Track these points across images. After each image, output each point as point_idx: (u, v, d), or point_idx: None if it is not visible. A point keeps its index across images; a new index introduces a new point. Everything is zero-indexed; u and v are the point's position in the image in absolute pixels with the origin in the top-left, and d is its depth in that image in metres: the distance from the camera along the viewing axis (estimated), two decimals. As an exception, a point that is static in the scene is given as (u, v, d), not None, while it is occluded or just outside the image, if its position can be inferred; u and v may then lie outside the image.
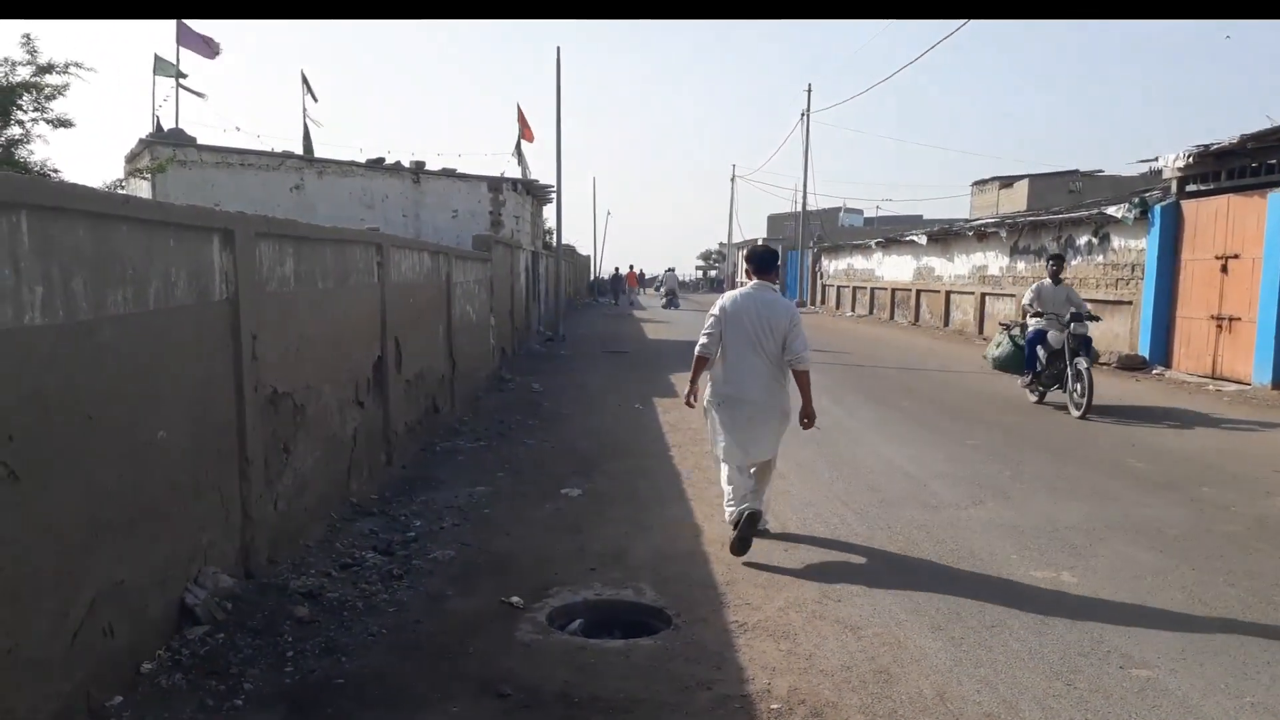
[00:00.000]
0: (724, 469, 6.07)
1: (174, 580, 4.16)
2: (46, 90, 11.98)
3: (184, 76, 20.62)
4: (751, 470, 6.09)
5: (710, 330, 6.04)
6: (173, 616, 4.14)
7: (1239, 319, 14.38)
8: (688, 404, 6.39)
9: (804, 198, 46.19)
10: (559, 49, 22.41)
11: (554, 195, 24.49)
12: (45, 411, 3.17)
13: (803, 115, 44.91)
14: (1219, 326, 14.84)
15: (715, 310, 6.12)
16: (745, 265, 6.57)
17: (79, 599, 3.37)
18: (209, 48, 20.72)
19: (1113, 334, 18.07)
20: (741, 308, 6.01)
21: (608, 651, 4.34)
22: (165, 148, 18.37)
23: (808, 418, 5.98)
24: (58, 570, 3.24)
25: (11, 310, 3.00)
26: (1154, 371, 15.88)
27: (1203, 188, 15.85)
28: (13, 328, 3.00)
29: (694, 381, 6.27)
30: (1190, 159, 15.74)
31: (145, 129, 20.26)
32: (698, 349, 6.11)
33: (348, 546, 5.72)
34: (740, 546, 5.65)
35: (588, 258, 67.73)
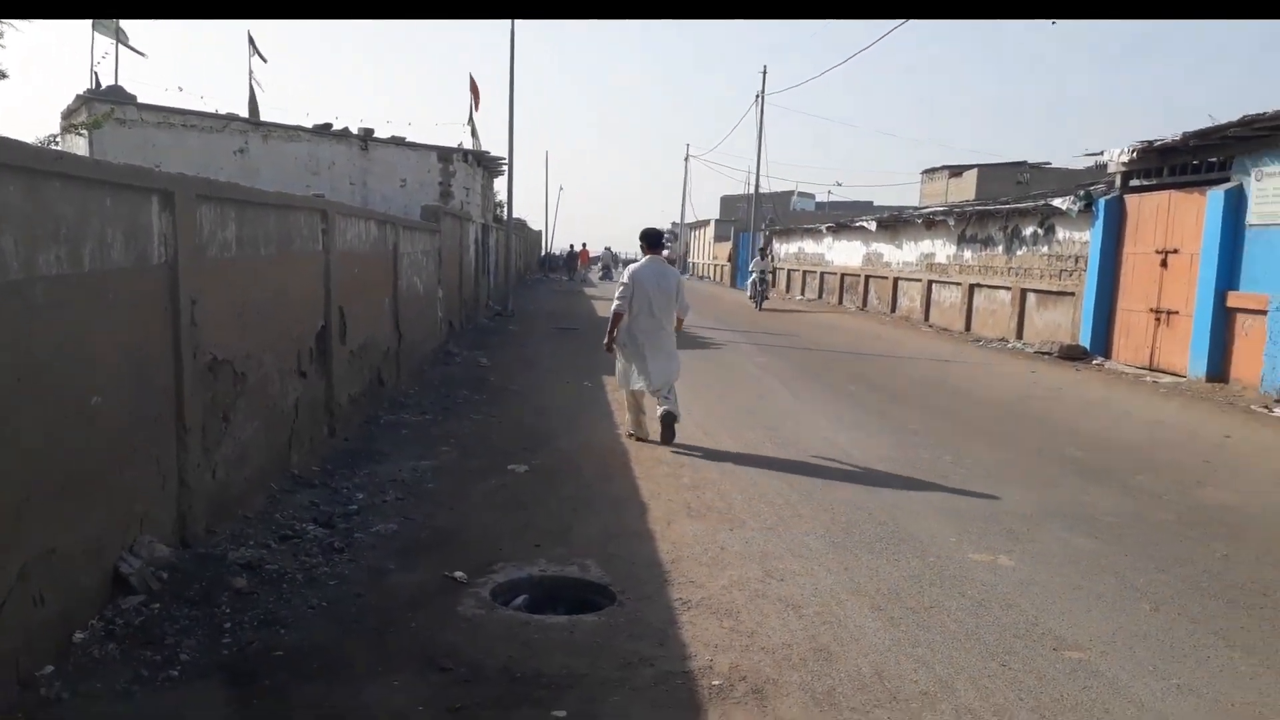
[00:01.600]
0: (626, 395, 8.55)
1: (108, 549, 4.06)
2: None
3: (125, 33, 20.00)
4: (662, 395, 8.25)
5: (622, 295, 8.28)
6: (106, 586, 4.04)
7: (1176, 312, 14.73)
8: (607, 349, 8.56)
9: (756, 180, 46.33)
10: (513, 22, 22.16)
11: (505, 167, 24.28)
12: (-27, 372, 3.05)
13: (757, 97, 44.96)
14: (1157, 319, 15.19)
15: (625, 278, 8.43)
16: (640, 243, 8.76)
17: (8, 567, 3.27)
18: None
19: (1055, 324, 18.42)
20: (644, 276, 8.33)
21: (551, 628, 4.33)
22: (103, 104, 17.83)
23: (678, 330, 8.60)
24: (-16, 537, 3.14)
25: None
26: (1094, 362, 16.23)
27: (1146, 183, 16.17)
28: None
29: (611, 332, 8.41)
30: (1134, 154, 16.04)
31: (83, 85, 19.65)
32: (614, 307, 8.37)
33: (288, 518, 5.63)
34: (664, 433, 8.21)
35: (539, 232, 67.31)
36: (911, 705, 3.67)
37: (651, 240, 8.70)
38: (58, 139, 15.62)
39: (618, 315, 8.30)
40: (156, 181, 4.51)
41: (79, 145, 17.40)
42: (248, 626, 4.09)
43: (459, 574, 4.88)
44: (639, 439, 8.31)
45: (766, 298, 28.75)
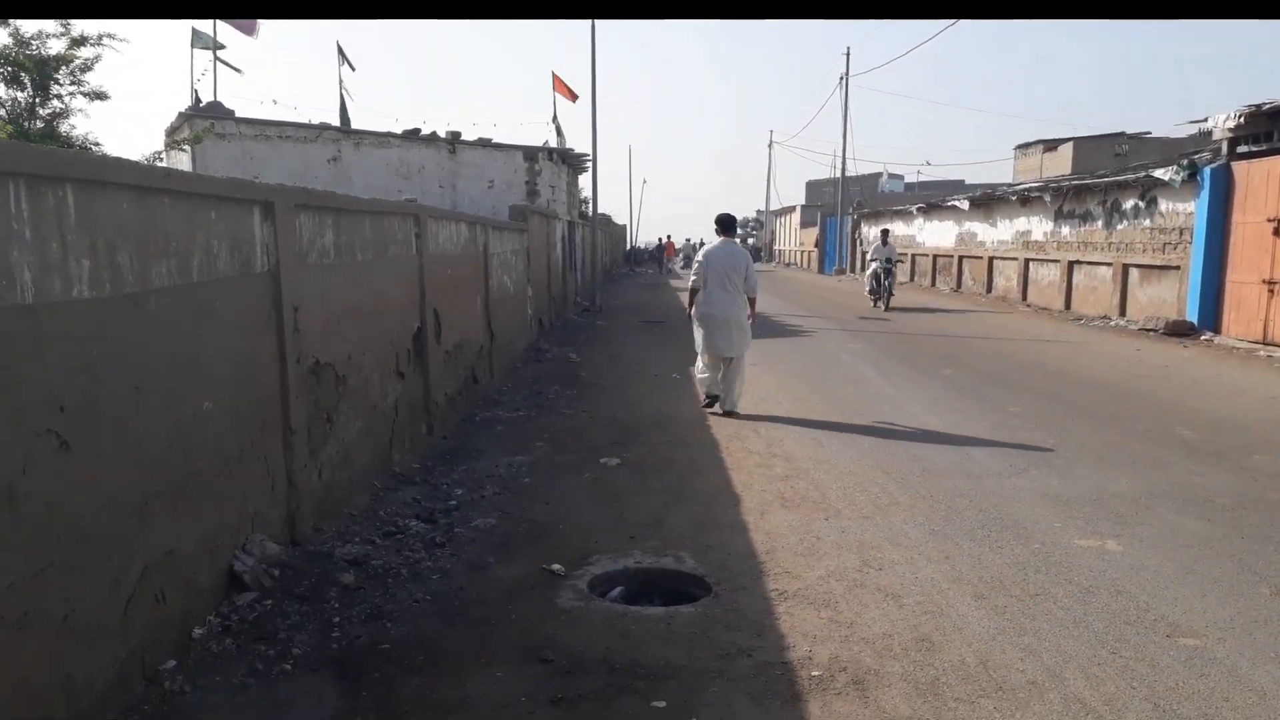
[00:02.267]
0: (699, 360, 9.51)
1: (222, 548, 4.23)
2: (80, 62, 12.07)
3: (222, 48, 20.74)
4: (721, 366, 9.27)
5: (697, 272, 9.37)
6: (222, 583, 4.22)
7: (1292, 283, 14.04)
8: (690, 319, 9.53)
9: (843, 163, 45.71)
10: (594, 20, 22.23)
11: (589, 164, 24.41)
12: (94, 383, 3.22)
13: (841, 79, 44.33)
14: (1271, 291, 14.50)
15: (699, 258, 9.45)
16: (715, 227, 9.63)
17: (131, 567, 3.44)
18: (246, 24, 20.77)
19: (1160, 299, 17.75)
20: (714, 255, 9.29)
21: (648, 619, 4.37)
22: (203, 120, 18.52)
23: (752, 318, 9.40)
24: (110, 539, 3.31)
25: (60, 284, 3.04)
26: (1203, 337, 15.57)
27: (1254, 149, 15.43)
28: (61, 301, 3.05)
29: (691, 304, 9.46)
30: (1241, 119, 15.32)
31: (184, 103, 20.43)
32: (690, 283, 9.48)
33: (391, 515, 5.78)
34: (709, 405, 9.37)
35: (623, 227, 67.53)
36: (1019, 695, 3.59)
37: (725, 225, 9.57)
38: (162, 155, 16.28)
39: (694, 290, 9.37)
40: (257, 193, 4.68)
41: (183, 160, 18.11)
42: (355, 621, 4.23)
43: (556, 566, 4.95)
44: (710, 400, 9.47)
45: (892, 294, 22.46)
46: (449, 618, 4.34)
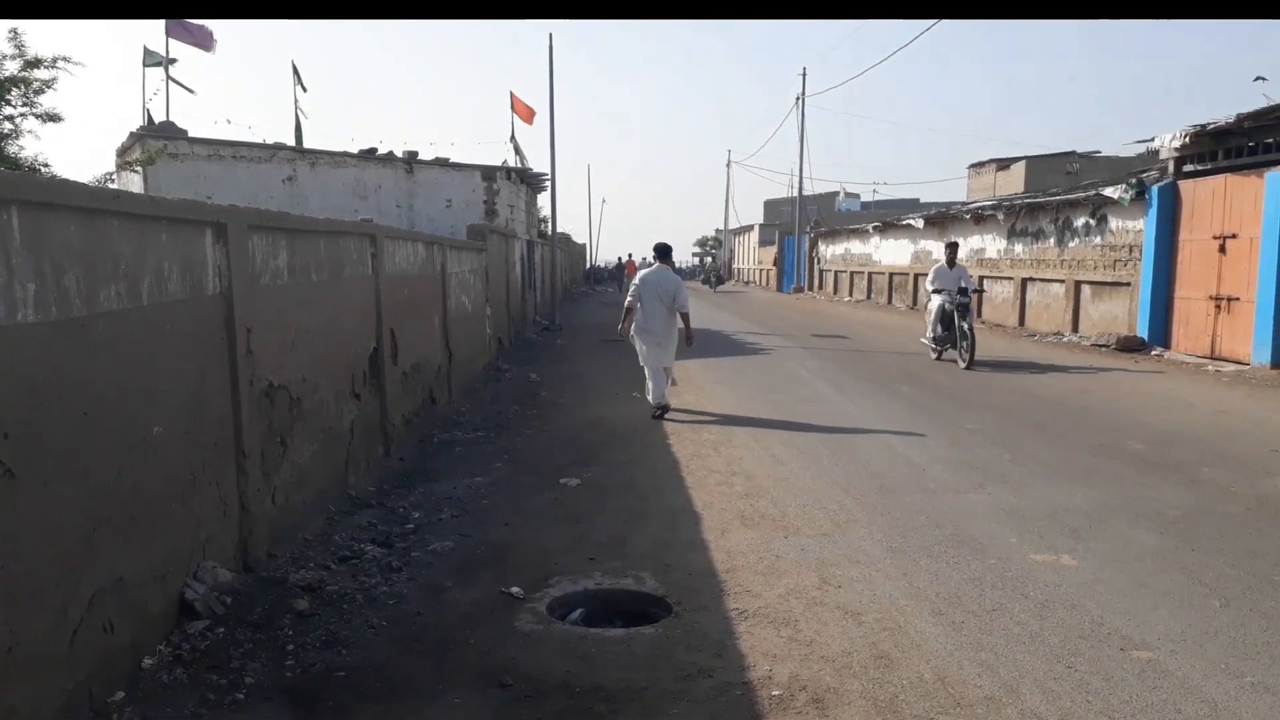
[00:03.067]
0: (647, 371, 10.44)
1: (173, 575, 4.15)
2: (35, 85, 11.88)
3: (173, 62, 20.49)
4: (664, 370, 10.37)
5: (634, 293, 10.44)
6: (173, 612, 4.13)
7: (1237, 299, 14.38)
8: (620, 336, 10.94)
9: (800, 182, 46.17)
10: (551, 35, 22.40)
11: (548, 183, 24.45)
12: (41, 409, 3.15)
13: (798, 99, 44.84)
14: (1217, 306, 14.84)
15: (636, 281, 10.59)
16: (654, 254, 10.98)
17: (79, 596, 3.36)
18: (204, 38, 20.56)
19: (1111, 315, 18.08)
20: (650, 279, 10.50)
21: (609, 640, 4.34)
22: (156, 140, 18.29)
23: (689, 340, 10.65)
24: (57, 567, 3.23)
25: (4, 307, 2.98)
26: (1153, 353, 15.89)
27: (1200, 168, 15.82)
28: (6, 325, 2.98)
29: (625, 321, 10.54)
30: (1187, 139, 15.71)
31: (136, 123, 20.18)
32: (627, 302, 10.55)
33: (346, 539, 5.71)
34: (660, 416, 10.08)
35: (583, 245, 67.59)
36: (976, 711, 3.62)
37: (663, 253, 10.93)
38: (114, 176, 16.05)
39: (628, 309, 10.49)
40: (209, 214, 4.62)
41: (134, 181, 17.87)
42: (310, 648, 4.16)
43: (515, 589, 4.91)
44: (657, 414, 10.22)
45: (974, 341, 14.34)
46: (406, 644, 4.28)
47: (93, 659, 3.44)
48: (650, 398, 10.36)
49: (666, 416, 10.11)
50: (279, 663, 4.00)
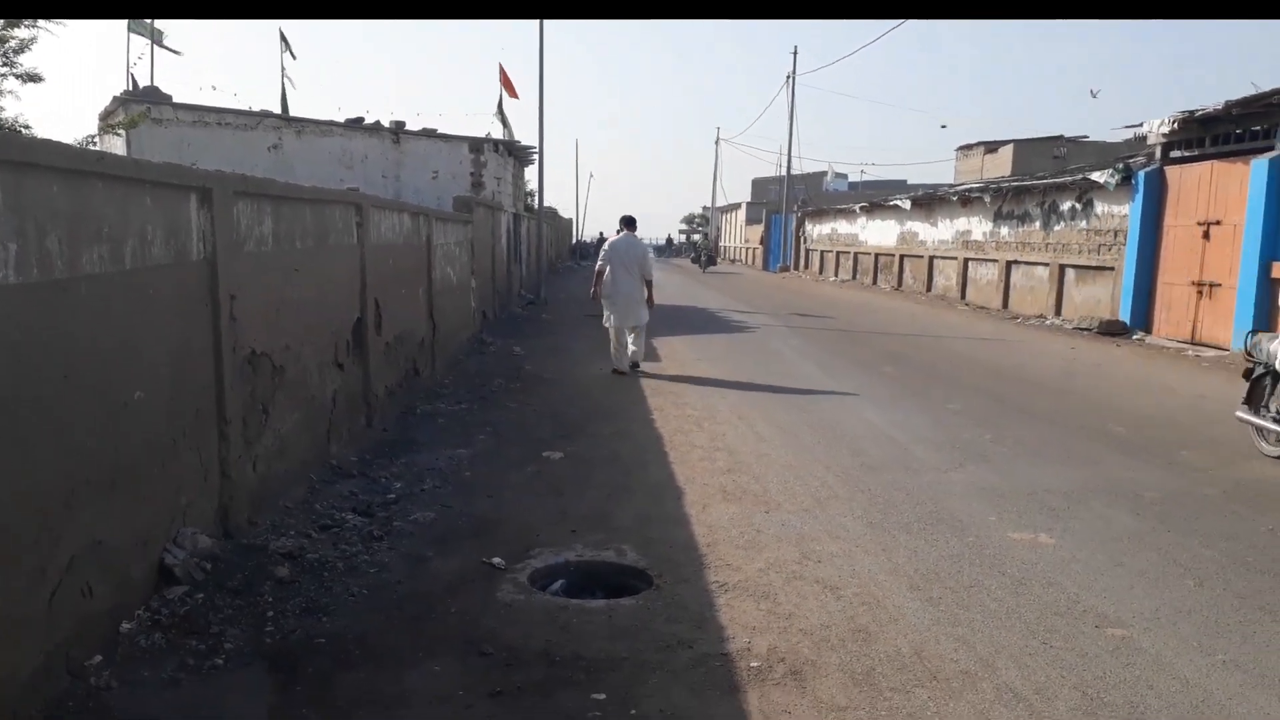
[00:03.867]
0: (611, 334, 11.50)
1: (153, 541, 4.14)
2: (13, 43, 11.70)
3: (160, 33, 20.25)
4: (629, 335, 11.43)
5: (603, 259, 11.59)
6: (152, 577, 4.12)
7: (1219, 285, 14.48)
8: (593, 298, 12.02)
9: (788, 161, 46.10)
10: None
11: (536, 156, 24.30)
12: (20, 370, 3.12)
13: (788, 78, 44.66)
14: (1199, 292, 14.94)
15: (605, 248, 11.70)
16: (620, 224, 12.06)
17: (57, 559, 3.34)
18: None
19: (1094, 299, 18.18)
20: (618, 246, 11.57)
21: (589, 611, 4.36)
22: (140, 105, 18.07)
23: (650, 304, 11.56)
24: (35, 530, 3.22)
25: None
26: (1135, 337, 15.99)
27: (1187, 154, 15.89)
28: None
29: (596, 285, 11.66)
30: (1175, 125, 15.76)
31: (120, 86, 19.93)
32: (596, 267, 11.78)
33: (328, 508, 5.70)
34: (631, 371, 11.29)
35: (570, 221, 67.37)
36: (952, 684, 3.66)
37: (628, 222, 12.08)
38: (96, 140, 15.86)
39: (599, 273, 11.62)
40: (194, 179, 4.57)
41: (117, 145, 17.66)
42: (290, 615, 4.16)
43: (497, 560, 4.93)
44: (616, 371, 11.39)
45: None
46: (386, 612, 4.29)
47: (71, 622, 3.44)
48: (613, 358, 11.54)
49: (648, 396, 10.15)
50: (259, 629, 4.01)
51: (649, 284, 11.47)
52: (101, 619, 3.67)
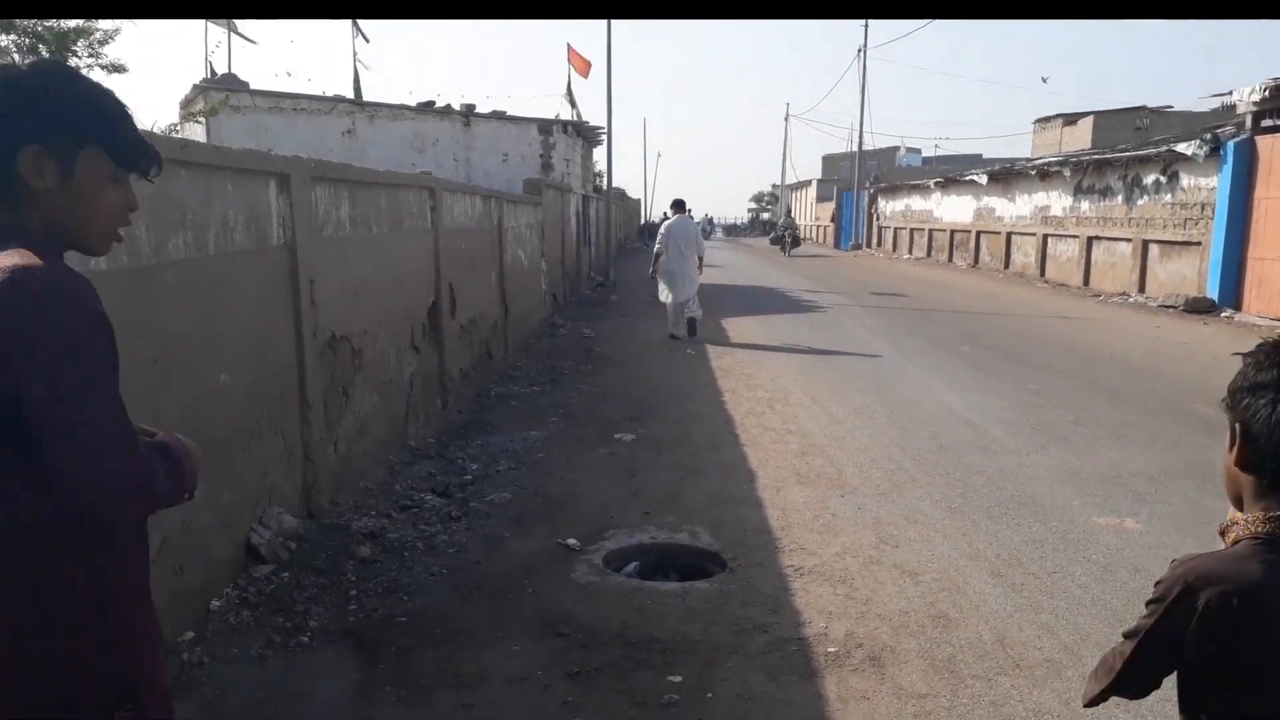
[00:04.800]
0: (668, 308, 12.95)
1: (239, 521, 4.25)
2: (98, 35, 12.04)
3: (235, 24, 20.65)
4: (684, 305, 12.72)
5: (661, 240, 13.02)
6: (239, 556, 4.24)
7: (1314, 260, 13.88)
8: (651, 277, 13.75)
9: (860, 137, 45.32)
10: (610, -12, 22.06)
11: (604, 137, 24.28)
12: (112, 355, 3.21)
13: (859, 51, 43.91)
14: (1293, 268, 14.33)
15: (663, 230, 13.17)
16: (670, 208, 14.13)
17: (151, 539, 3.43)
18: None
19: (1180, 276, 17.58)
20: (674, 228, 13.09)
21: (664, 594, 4.37)
22: (218, 92, 18.48)
23: (700, 270, 13.03)
24: (128, 510, 3.32)
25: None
26: (1223, 315, 15.43)
27: (1278, 123, 15.22)
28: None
29: (655, 263, 13.15)
30: (1266, 93, 15.10)
31: (199, 75, 20.41)
32: (655, 249, 13.24)
33: (407, 489, 5.80)
34: (690, 332, 12.70)
35: (638, 201, 67.31)
36: (1036, 673, 3.58)
37: (678, 205, 13.83)
38: (177, 128, 16.29)
39: (657, 255, 13.06)
40: (273, 165, 4.66)
41: (197, 133, 18.10)
42: (372, 594, 4.24)
43: (572, 541, 4.96)
44: (674, 336, 12.73)
45: None
46: (465, 591, 4.35)
47: (162, 599, 3.53)
48: (670, 327, 12.94)
49: (718, 378, 10.14)
50: (342, 607, 4.09)
51: (700, 258, 13.08)
52: (192, 597, 3.78)
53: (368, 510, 5.30)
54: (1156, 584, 1.56)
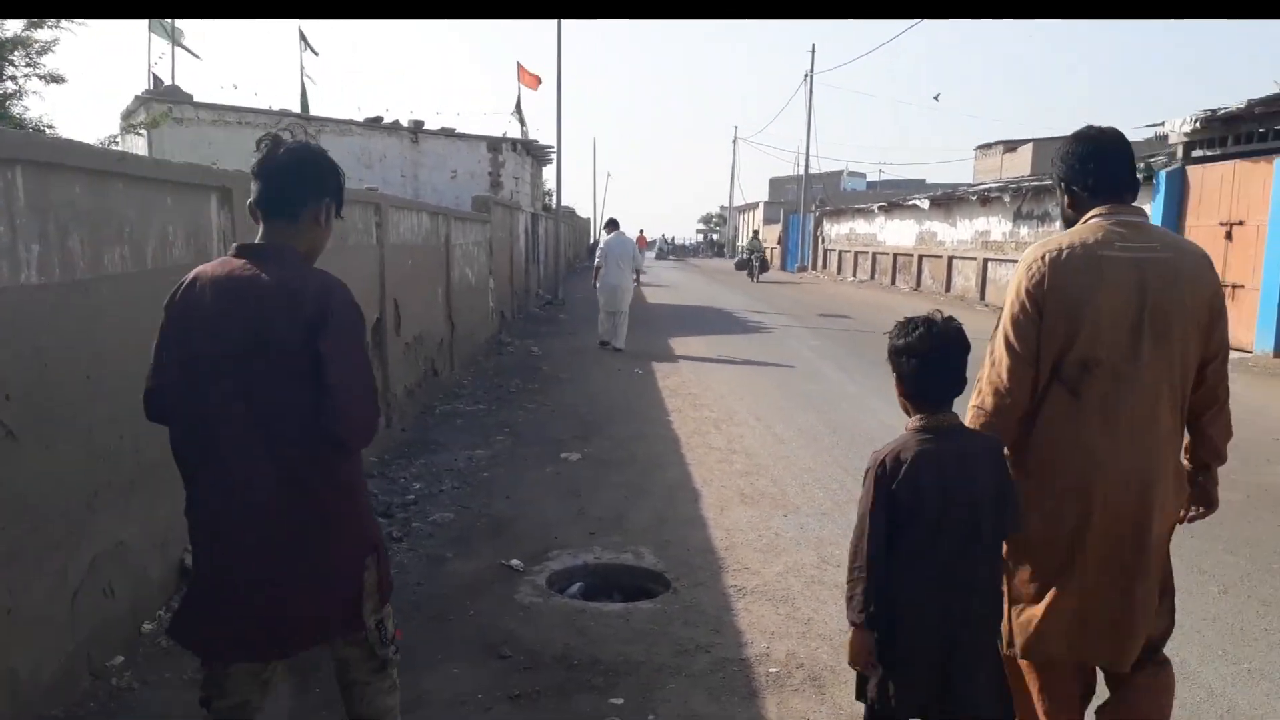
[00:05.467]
0: (602, 315, 14.10)
1: (174, 541, 4.15)
2: (37, 45, 11.78)
3: (180, 32, 20.35)
4: (615, 317, 13.85)
5: (599, 257, 14.31)
6: (173, 578, 4.14)
7: (1242, 286, 14.33)
8: (594, 286, 14.55)
9: (806, 161, 45.95)
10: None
11: (554, 156, 24.30)
12: (44, 371, 3.14)
13: (806, 76, 44.54)
14: (1221, 294, 14.78)
15: (602, 246, 14.47)
16: (606, 226, 15.32)
17: (79, 559, 3.36)
18: None
19: (1114, 301, 18.02)
20: (611, 245, 14.27)
21: (607, 614, 4.36)
22: (161, 104, 18.18)
23: (637, 282, 15.20)
24: (58, 530, 3.24)
25: (8, 268, 2.97)
26: (1155, 339, 15.84)
27: (1209, 153, 15.73)
28: (9, 286, 2.97)
29: (595, 276, 14.29)
30: (1197, 124, 15.60)
31: (141, 86, 20.05)
32: (595, 263, 14.51)
33: (348, 508, 5.71)
34: (613, 351, 13.51)
35: (587, 220, 67.40)
36: (972, 692, 3.62)
37: (612, 224, 15.08)
38: (118, 139, 15.97)
39: (597, 268, 14.31)
40: (215, 179, 4.59)
41: (138, 145, 17.78)
42: (311, 615, 4.16)
43: (515, 562, 4.93)
44: (603, 343, 13.97)
45: None
46: (405, 613, 4.28)
47: (93, 622, 3.46)
48: (600, 334, 14.18)
49: (665, 398, 10.17)
50: (279, 629, 4.01)
51: (638, 272, 14.81)
52: (123, 620, 3.69)
53: (307, 530, 5.21)
54: (866, 471, 2.61)
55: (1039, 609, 2.64)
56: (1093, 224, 2.68)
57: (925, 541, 2.46)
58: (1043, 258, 2.65)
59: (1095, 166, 2.74)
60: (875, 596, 2.46)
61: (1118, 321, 2.58)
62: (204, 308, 2.40)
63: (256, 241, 2.48)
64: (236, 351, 2.32)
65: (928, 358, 2.64)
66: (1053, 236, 2.74)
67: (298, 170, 2.52)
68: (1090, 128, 2.82)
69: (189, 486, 2.47)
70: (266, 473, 2.33)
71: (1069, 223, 2.78)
